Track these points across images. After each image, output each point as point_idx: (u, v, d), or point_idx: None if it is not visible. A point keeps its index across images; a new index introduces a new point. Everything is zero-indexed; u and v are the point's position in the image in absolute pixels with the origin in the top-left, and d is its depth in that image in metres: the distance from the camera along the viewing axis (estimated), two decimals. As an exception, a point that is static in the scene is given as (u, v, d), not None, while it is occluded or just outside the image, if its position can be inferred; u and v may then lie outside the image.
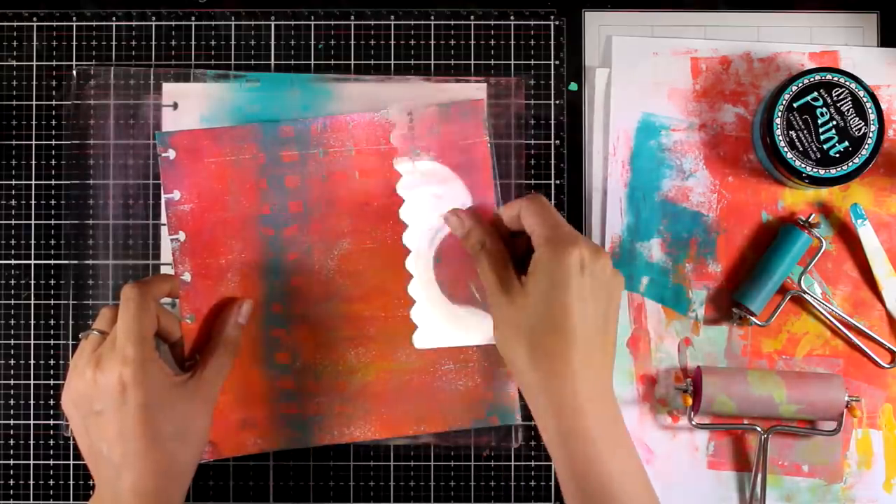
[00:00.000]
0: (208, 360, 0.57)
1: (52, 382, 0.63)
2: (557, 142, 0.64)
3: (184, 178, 0.61)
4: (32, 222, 0.63)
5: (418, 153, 0.62)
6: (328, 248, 0.62)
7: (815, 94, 0.59)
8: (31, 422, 0.63)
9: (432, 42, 0.64)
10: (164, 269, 0.63)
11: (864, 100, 0.59)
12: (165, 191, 0.61)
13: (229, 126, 0.62)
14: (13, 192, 0.64)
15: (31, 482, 0.63)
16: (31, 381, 0.63)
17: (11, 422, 0.63)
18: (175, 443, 0.54)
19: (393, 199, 0.62)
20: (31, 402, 0.63)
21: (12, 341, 0.63)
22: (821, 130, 0.59)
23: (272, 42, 0.64)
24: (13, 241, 0.63)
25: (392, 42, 0.64)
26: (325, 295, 0.62)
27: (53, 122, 0.64)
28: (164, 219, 0.62)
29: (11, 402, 0.63)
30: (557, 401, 0.51)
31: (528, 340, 0.52)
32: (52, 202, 0.63)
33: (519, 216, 0.56)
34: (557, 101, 0.64)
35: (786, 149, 0.59)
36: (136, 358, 0.52)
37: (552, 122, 0.64)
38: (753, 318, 0.61)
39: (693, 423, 0.61)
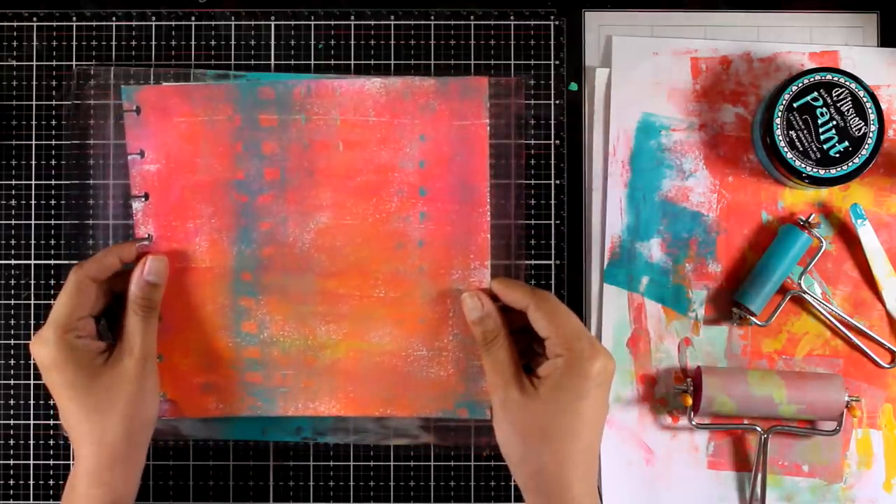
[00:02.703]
0: (123, 327, 0.57)
1: (52, 382, 0.63)
2: (557, 142, 0.64)
3: (150, 136, 0.59)
4: (32, 222, 0.63)
5: None
6: (305, 220, 0.60)
7: (815, 94, 0.59)
8: (31, 422, 0.63)
9: (432, 42, 0.64)
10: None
11: (864, 100, 0.59)
12: (130, 149, 0.59)
13: (203, 84, 0.60)
14: (13, 192, 0.64)
15: (31, 482, 0.63)
16: (32, 381, 0.63)
17: (11, 422, 0.63)
18: (101, 415, 0.54)
19: (377, 175, 0.60)
20: (31, 402, 0.63)
21: (12, 341, 0.63)
22: (821, 130, 0.59)
23: (272, 42, 0.64)
24: (13, 241, 0.63)
25: (392, 42, 0.64)
26: (298, 268, 0.60)
27: (53, 122, 0.64)
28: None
29: (11, 402, 0.63)
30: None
31: (540, 445, 0.53)
32: (52, 202, 0.63)
33: (523, 307, 0.56)
34: (557, 101, 0.64)
35: (786, 149, 0.59)
36: (51, 339, 0.53)
37: (552, 122, 0.64)
38: (753, 318, 0.61)
39: (693, 423, 0.61)
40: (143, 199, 0.59)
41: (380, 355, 0.60)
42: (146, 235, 0.59)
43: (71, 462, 0.63)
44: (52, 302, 0.63)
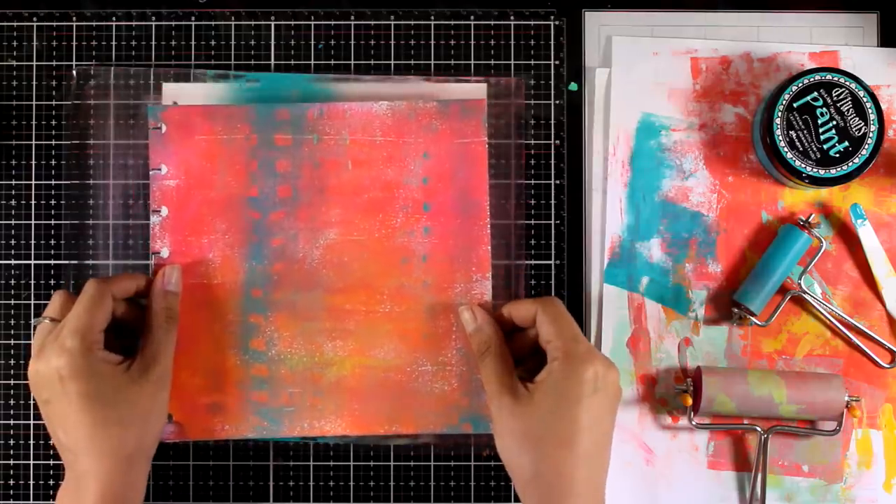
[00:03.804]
0: (146, 338, 0.57)
1: (52, 382, 0.63)
2: (557, 142, 0.64)
3: (172, 153, 0.61)
4: (32, 222, 0.63)
5: None
6: (314, 236, 0.61)
7: (815, 94, 0.59)
8: (31, 422, 0.63)
9: (432, 42, 0.64)
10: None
11: (864, 100, 0.59)
12: (152, 164, 0.61)
13: (224, 105, 0.62)
14: (13, 192, 0.64)
15: (31, 482, 0.63)
16: (31, 381, 0.63)
17: (11, 422, 0.63)
18: (121, 427, 0.54)
19: (383, 192, 0.61)
20: (31, 402, 0.63)
21: (12, 341, 0.63)
22: (821, 130, 0.59)
23: (272, 42, 0.64)
24: (13, 241, 0.63)
25: (392, 42, 0.64)
26: (306, 284, 0.61)
27: (53, 122, 0.64)
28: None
29: (11, 402, 0.63)
30: None
31: (534, 451, 0.53)
32: (52, 202, 0.63)
33: (533, 319, 0.56)
34: (557, 101, 0.64)
35: (786, 149, 0.59)
36: (75, 348, 0.53)
37: (552, 122, 0.64)
38: (753, 318, 0.61)
39: (693, 423, 0.61)
40: (160, 214, 0.60)
41: (385, 371, 0.61)
42: (159, 250, 0.61)
43: (71, 462, 0.63)
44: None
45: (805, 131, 0.59)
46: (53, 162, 0.64)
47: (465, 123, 0.61)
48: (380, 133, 0.61)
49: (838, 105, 0.59)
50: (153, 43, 0.64)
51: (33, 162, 0.64)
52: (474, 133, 0.61)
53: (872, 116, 0.59)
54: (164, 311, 0.58)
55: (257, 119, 0.61)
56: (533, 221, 0.63)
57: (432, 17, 0.64)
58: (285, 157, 0.61)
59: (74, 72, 0.63)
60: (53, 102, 0.64)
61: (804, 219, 0.61)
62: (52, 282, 0.63)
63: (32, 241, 0.63)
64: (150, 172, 0.61)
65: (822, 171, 0.59)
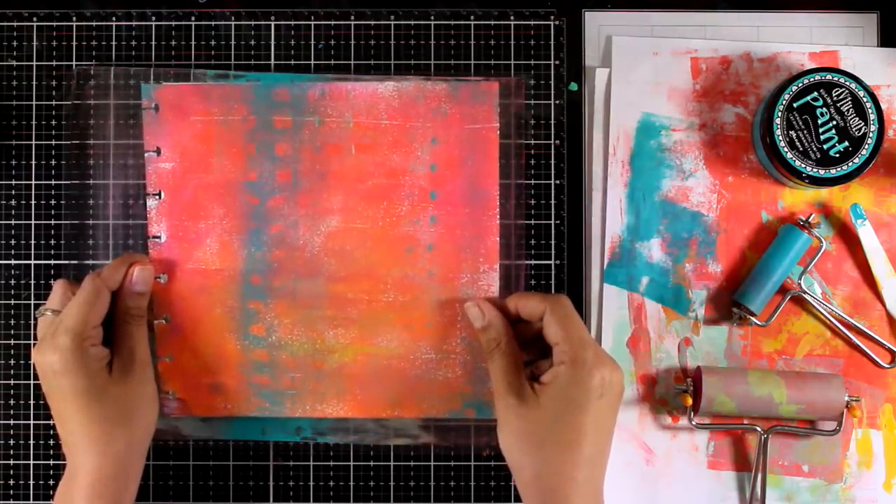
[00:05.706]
0: (118, 336, 0.58)
1: (52, 382, 0.63)
2: (557, 142, 0.64)
3: (166, 134, 0.60)
4: (32, 222, 0.63)
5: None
6: (315, 223, 0.60)
7: (815, 94, 0.59)
8: (31, 422, 0.63)
9: (432, 42, 0.64)
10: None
11: (864, 100, 0.59)
12: (146, 146, 0.60)
13: (219, 84, 0.61)
14: (13, 192, 0.64)
15: (31, 482, 0.63)
16: (31, 382, 0.63)
17: (11, 422, 0.63)
18: (109, 424, 0.55)
19: (388, 179, 0.60)
20: (31, 402, 0.63)
21: (12, 341, 0.63)
22: (821, 130, 0.59)
23: (272, 42, 0.64)
24: (13, 241, 0.63)
25: (392, 42, 0.64)
26: (307, 272, 0.61)
27: (53, 122, 0.64)
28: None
29: (11, 402, 0.63)
30: None
31: (536, 453, 0.53)
32: (52, 202, 0.63)
33: (540, 316, 0.56)
34: (557, 101, 0.64)
35: (786, 149, 0.59)
36: (67, 346, 0.53)
37: (552, 122, 0.64)
38: (753, 318, 0.61)
39: (693, 423, 0.61)
40: (157, 198, 0.60)
41: (388, 359, 0.61)
42: (158, 234, 0.60)
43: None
44: (52, 302, 0.63)
45: (805, 131, 0.59)
46: (53, 162, 0.63)
47: (477, 108, 0.60)
48: (385, 116, 0.60)
49: (838, 105, 0.59)
50: (153, 43, 0.64)
51: (33, 162, 0.64)
52: (486, 118, 0.60)
53: (872, 116, 0.59)
54: (135, 311, 0.58)
55: (255, 99, 0.60)
56: (533, 221, 0.63)
57: (432, 17, 0.64)
58: (285, 140, 0.60)
59: (74, 72, 0.63)
60: (53, 102, 0.64)
61: (804, 219, 0.61)
62: (52, 282, 0.63)
63: (32, 241, 0.63)
64: (146, 154, 0.60)
65: (822, 171, 0.59)
